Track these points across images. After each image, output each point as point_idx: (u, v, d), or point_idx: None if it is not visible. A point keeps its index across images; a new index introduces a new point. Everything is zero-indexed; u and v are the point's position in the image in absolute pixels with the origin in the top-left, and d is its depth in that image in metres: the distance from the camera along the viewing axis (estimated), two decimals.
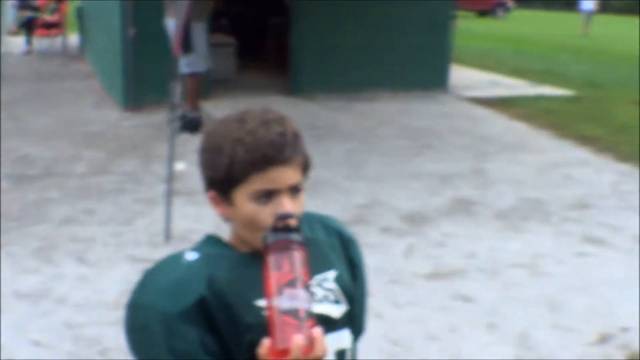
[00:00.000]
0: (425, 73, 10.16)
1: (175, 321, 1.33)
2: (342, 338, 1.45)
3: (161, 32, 7.52)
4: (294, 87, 9.65)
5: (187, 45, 7.25)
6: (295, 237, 1.32)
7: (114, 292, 3.92)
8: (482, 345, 3.53)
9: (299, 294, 1.27)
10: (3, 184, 5.85)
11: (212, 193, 1.43)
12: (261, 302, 1.34)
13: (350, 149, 7.22)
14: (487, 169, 6.62)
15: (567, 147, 7.60)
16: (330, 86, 9.58)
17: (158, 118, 8.02)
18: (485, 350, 3.48)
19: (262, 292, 1.30)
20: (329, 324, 1.37)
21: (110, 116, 8.55)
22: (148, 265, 1.45)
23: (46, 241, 4.68)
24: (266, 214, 1.36)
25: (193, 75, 7.51)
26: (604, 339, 3.57)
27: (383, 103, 9.32)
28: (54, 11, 16.28)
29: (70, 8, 15.94)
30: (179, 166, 6.35)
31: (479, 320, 3.76)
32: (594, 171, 6.70)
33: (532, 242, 4.88)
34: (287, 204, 1.36)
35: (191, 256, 1.42)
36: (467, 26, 21.38)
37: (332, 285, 1.47)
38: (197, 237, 5.07)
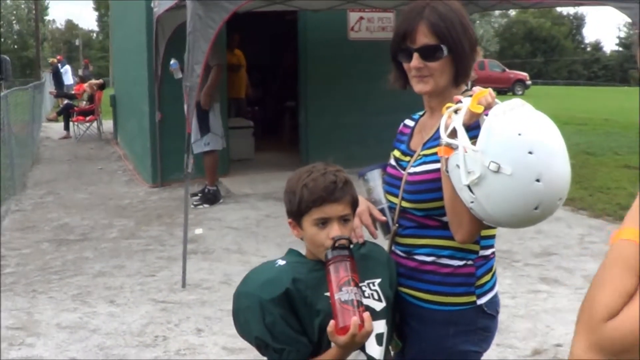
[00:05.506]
0: None
1: (268, 304, 1.91)
2: (381, 326, 2.02)
3: (183, 116, 8.38)
4: (304, 162, 10.35)
5: (204, 126, 8.20)
6: (345, 252, 1.93)
7: (138, 324, 4.77)
8: None
9: (353, 290, 1.88)
10: (44, 245, 6.79)
11: (290, 220, 2.06)
12: (327, 294, 1.92)
13: None
14: None
15: None
16: (335, 160, 10.32)
17: (181, 192, 8.94)
18: None
19: (327, 288, 1.92)
20: (372, 315, 1.93)
21: (139, 191, 9.55)
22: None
23: (83, 289, 5.54)
24: (323, 235, 1.97)
25: (210, 153, 8.40)
26: (537, 353, 4.32)
27: None
28: (89, 99, 17.49)
29: (104, 96, 17.06)
30: (198, 231, 7.24)
31: None
32: (565, 225, 7.38)
33: None
34: (336, 229, 1.97)
35: (281, 262, 2.03)
36: None
37: (377, 287, 2.05)
38: (209, 285, 6.12)
